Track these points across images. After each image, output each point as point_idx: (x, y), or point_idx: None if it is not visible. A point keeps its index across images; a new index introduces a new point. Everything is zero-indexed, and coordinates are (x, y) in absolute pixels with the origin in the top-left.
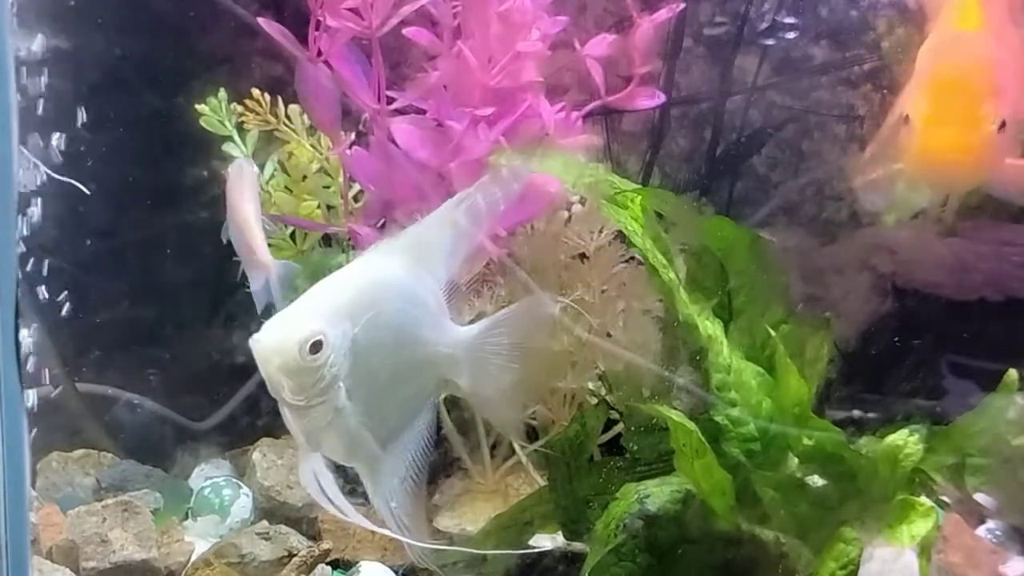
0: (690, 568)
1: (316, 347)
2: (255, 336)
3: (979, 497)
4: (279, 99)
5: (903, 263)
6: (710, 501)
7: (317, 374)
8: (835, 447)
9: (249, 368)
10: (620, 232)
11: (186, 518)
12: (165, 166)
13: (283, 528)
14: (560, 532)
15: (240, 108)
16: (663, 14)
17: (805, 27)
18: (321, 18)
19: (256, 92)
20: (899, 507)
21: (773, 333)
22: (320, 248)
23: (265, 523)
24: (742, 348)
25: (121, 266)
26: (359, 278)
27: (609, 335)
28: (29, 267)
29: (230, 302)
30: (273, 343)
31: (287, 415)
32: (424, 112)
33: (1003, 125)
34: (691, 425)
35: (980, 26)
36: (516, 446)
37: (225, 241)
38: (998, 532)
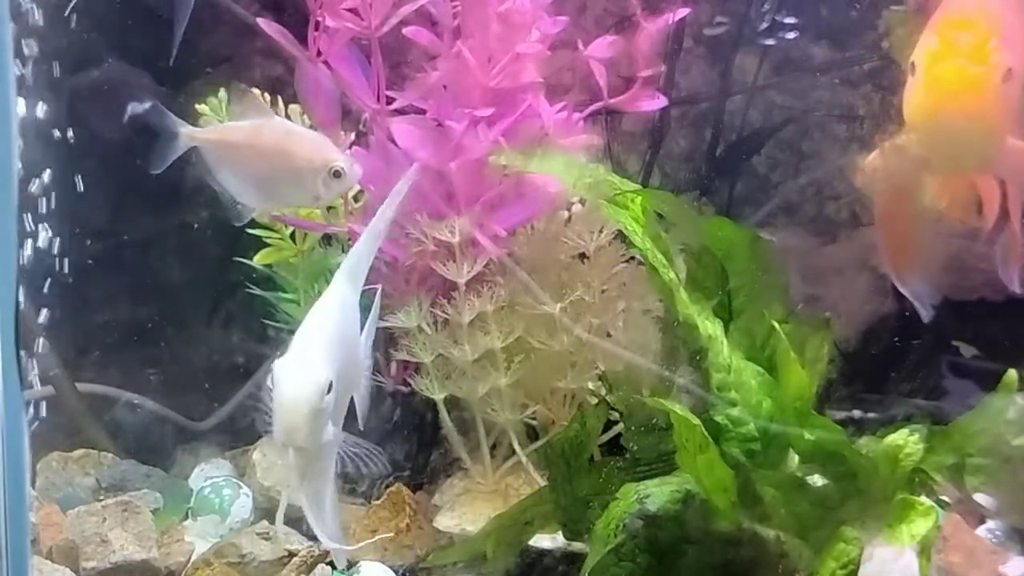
0: (690, 568)
1: (328, 390)
2: (281, 390)
3: (979, 497)
4: (279, 99)
5: None
6: (712, 498)
7: (325, 416)
8: (836, 446)
9: (249, 368)
10: (620, 232)
11: (186, 518)
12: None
13: (283, 528)
14: (560, 532)
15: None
16: (666, 18)
17: (805, 27)
18: (321, 18)
19: (256, 92)
20: (899, 507)
21: (777, 326)
22: (320, 248)
23: (265, 523)
24: (742, 348)
25: (121, 266)
26: (335, 313)
27: (609, 335)
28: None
29: (230, 302)
30: (301, 394)
31: (294, 460)
32: (424, 112)
33: (1009, 75)
34: (695, 420)
35: None
36: (516, 446)
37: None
38: (998, 532)
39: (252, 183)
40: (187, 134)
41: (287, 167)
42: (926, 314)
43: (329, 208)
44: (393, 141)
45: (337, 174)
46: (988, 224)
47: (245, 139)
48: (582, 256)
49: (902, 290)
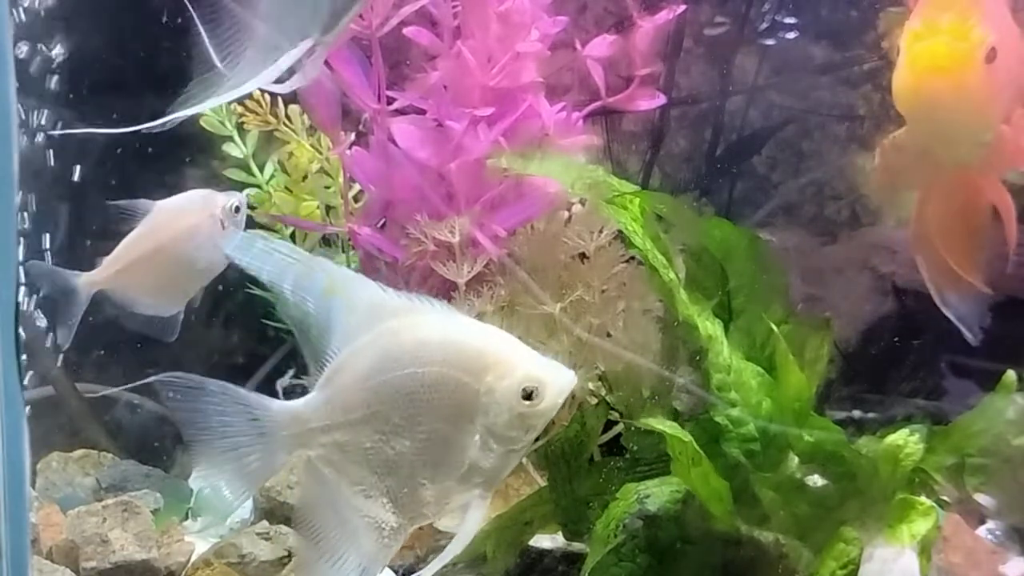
0: (690, 568)
1: None
2: (555, 392)
3: (979, 497)
4: (279, 99)
5: (903, 263)
6: (708, 506)
7: None
8: (835, 446)
9: (249, 368)
10: (620, 232)
11: (186, 518)
12: (165, 166)
13: (283, 528)
14: (560, 532)
15: (240, 108)
16: (664, 16)
17: (805, 27)
18: None
19: (256, 92)
20: (899, 507)
21: (775, 328)
22: (320, 248)
23: (265, 523)
24: (742, 348)
25: None
26: None
27: (609, 335)
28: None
29: (230, 302)
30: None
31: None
32: (424, 112)
33: (993, 54)
34: (686, 436)
35: None
36: None
37: None
38: (998, 532)
39: (174, 282)
40: (86, 282)
41: (191, 241)
42: (973, 338)
43: (329, 208)
44: (393, 141)
45: (237, 209)
46: (1011, 244)
47: (142, 249)
48: (582, 256)
49: (946, 312)
